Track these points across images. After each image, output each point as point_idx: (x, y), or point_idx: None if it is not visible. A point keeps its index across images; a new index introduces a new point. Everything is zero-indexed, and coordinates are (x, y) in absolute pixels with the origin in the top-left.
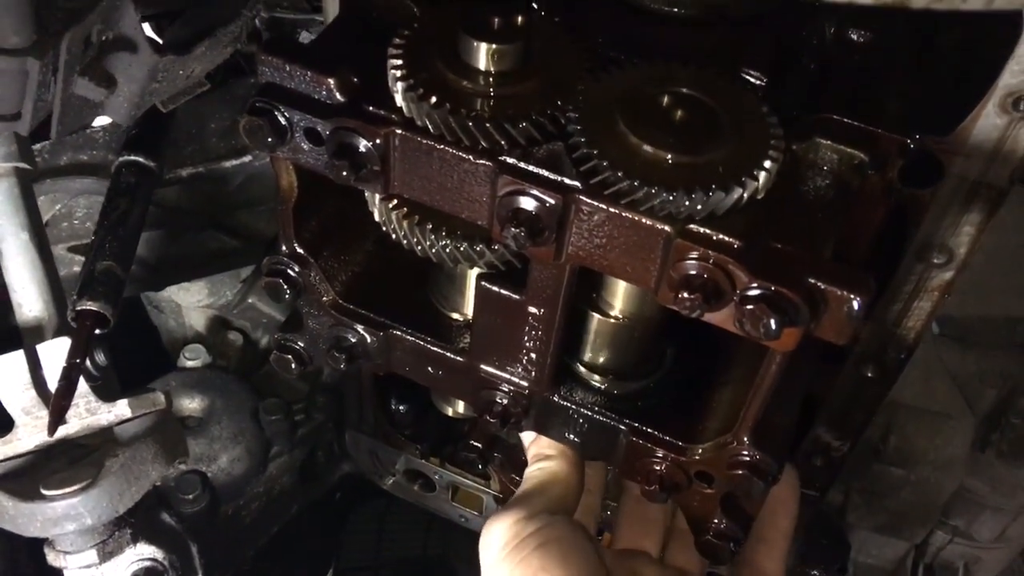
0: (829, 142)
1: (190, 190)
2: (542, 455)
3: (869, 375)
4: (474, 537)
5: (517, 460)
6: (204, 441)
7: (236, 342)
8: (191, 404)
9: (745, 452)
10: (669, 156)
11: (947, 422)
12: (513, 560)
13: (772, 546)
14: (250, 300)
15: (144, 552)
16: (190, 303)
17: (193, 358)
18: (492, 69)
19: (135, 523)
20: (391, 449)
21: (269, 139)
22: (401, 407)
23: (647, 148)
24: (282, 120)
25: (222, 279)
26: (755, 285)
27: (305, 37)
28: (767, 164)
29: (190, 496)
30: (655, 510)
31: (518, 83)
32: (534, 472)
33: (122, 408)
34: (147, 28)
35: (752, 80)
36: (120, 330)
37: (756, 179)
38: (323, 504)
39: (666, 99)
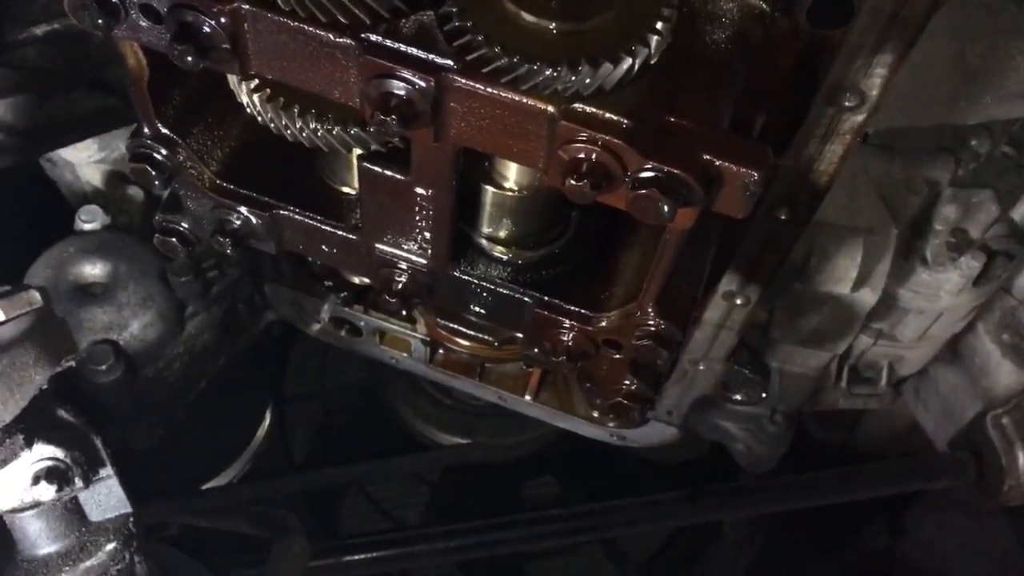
0: None
1: (49, 48)
2: None
3: (783, 218)
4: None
5: (442, 303)
6: (112, 309)
7: (136, 197)
8: (93, 271)
9: (650, 322)
10: (552, 25)
11: (870, 238)
12: None
13: None
14: None
15: (43, 453)
16: (81, 159)
17: (89, 220)
18: None
19: (27, 427)
20: (313, 299)
21: (100, 20)
22: None
23: (527, 17)
24: None
25: (112, 131)
26: (647, 167)
27: None
28: (659, 26)
29: (103, 367)
30: None
31: None
32: None
33: None
34: None
35: None
36: (18, 193)
37: (647, 44)
38: (265, 336)
39: None
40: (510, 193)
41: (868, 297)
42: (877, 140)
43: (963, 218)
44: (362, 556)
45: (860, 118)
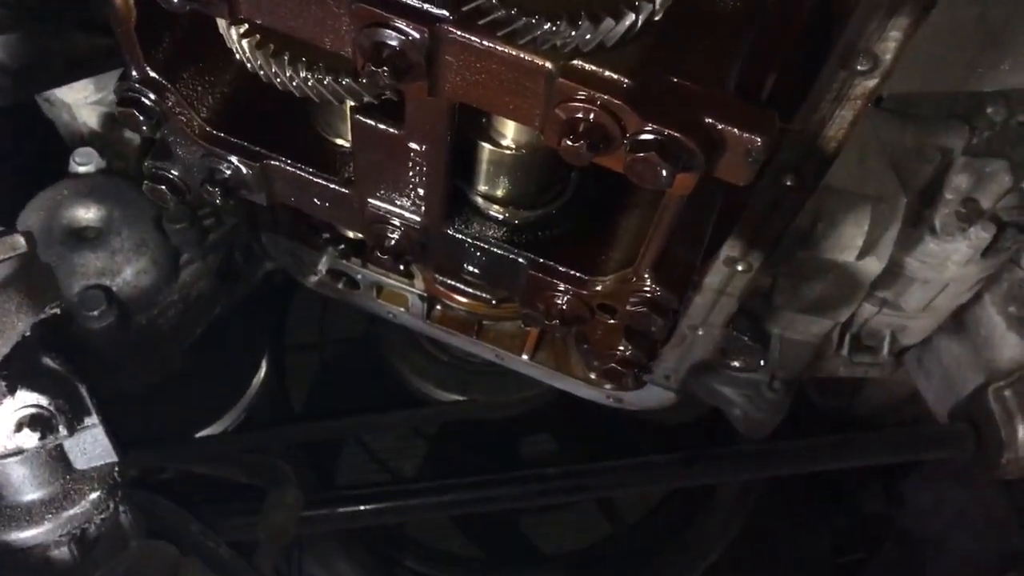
0: None
1: None
2: None
3: (788, 184)
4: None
5: (436, 261)
6: (105, 254)
7: (133, 141)
8: (87, 214)
9: (646, 288)
10: None
11: (878, 206)
12: None
13: None
14: None
15: (26, 400)
16: (77, 100)
17: (84, 163)
18: None
19: (9, 374)
20: (310, 250)
21: None
22: None
23: None
24: None
25: (109, 73)
26: (647, 129)
27: None
28: None
29: (95, 312)
30: None
31: None
32: None
33: None
34: None
35: None
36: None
37: None
38: (263, 286)
39: None
40: (507, 151)
41: (874, 265)
42: (890, 105)
43: (974, 188)
44: (356, 508)
45: (872, 83)
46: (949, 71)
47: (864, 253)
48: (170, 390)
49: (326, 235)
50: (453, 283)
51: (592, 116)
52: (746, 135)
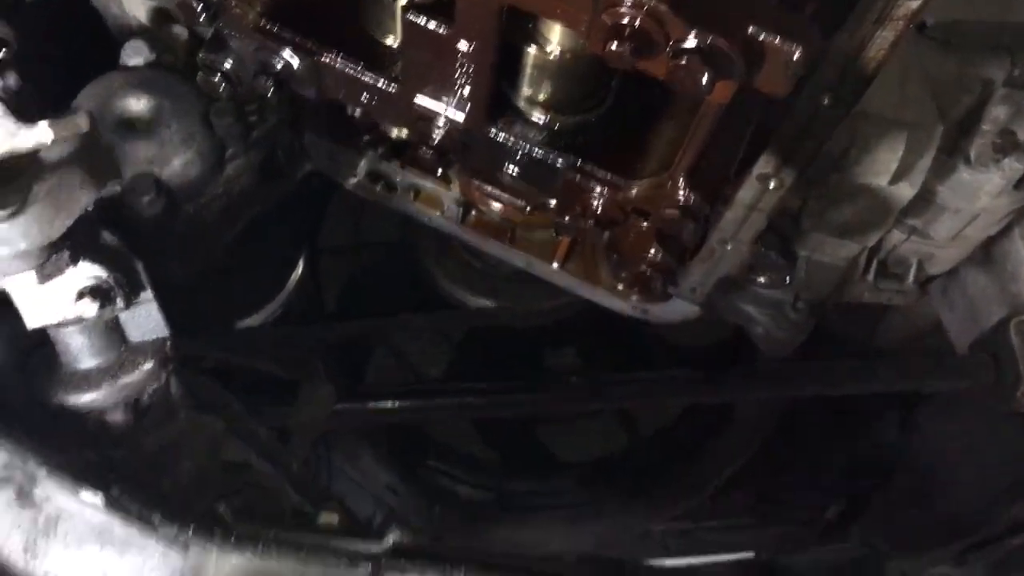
0: None
1: None
2: None
3: (826, 103)
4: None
5: (475, 164)
6: (155, 144)
7: (181, 36)
8: (138, 105)
9: (680, 194)
10: None
11: (914, 132)
12: None
13: None
14: None
15: (87, 272)
16: None
17: (135, 55)
18: None
19: (72, 245)
20: (350, 152)
21: None
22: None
23: None
24: None
25: None
26: (690, 36)
27: None
28: None
29: (146, 199)
30: None
31: None
32: None
33: (43, 131)
34: None
35: None
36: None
37: None
38: (302, 187)
39: None
40: (552, 55)
41: (905, 191)
42: (935, 33)
43: (1012, 120)
44: (384, 404)
45: (915, 4)
46: (997, 3)
47: (897, 178)
48: (212, 283)
49: (367, 137)
50: (489, 188)
51: (638, 22)
52: (787, 46)
